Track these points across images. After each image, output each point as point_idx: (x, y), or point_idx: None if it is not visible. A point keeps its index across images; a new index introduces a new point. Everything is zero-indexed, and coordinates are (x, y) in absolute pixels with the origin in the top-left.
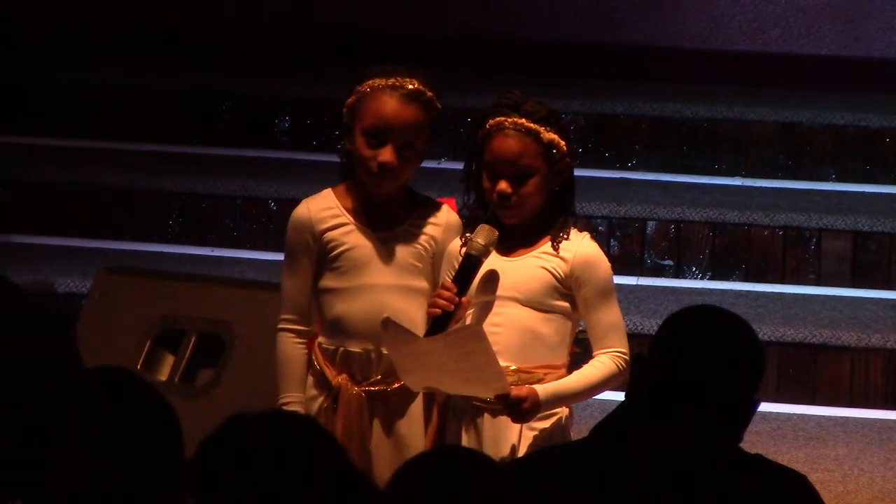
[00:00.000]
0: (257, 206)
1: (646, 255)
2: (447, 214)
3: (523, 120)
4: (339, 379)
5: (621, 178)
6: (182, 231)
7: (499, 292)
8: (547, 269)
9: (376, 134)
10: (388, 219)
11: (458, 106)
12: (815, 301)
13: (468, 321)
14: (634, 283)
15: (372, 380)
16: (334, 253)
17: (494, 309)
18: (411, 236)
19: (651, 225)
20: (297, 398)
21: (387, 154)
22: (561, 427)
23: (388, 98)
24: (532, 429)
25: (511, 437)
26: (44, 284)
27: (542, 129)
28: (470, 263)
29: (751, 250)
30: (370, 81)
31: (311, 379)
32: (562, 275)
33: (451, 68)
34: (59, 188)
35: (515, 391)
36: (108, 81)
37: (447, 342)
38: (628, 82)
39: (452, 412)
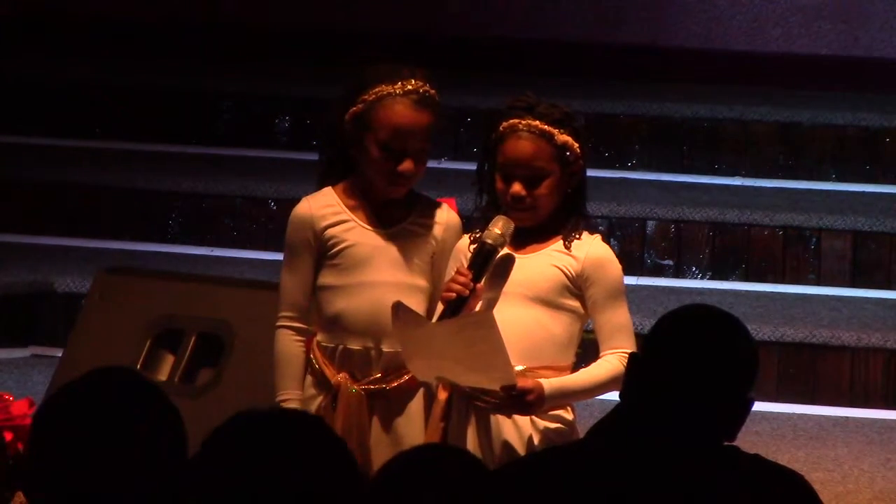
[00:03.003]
0: (257, 206)
1: (646, 255)
2: (447, 214)
3: (537, 122)
4: (339, 377)
5: (621, 178)
6: (182, 231)
7: (509, 289)
8: (559, 267)
9: (395, 145)
10: (389, 217)
11: (458, 106)
12: (815, 301)
13: (479, 309)
14: (634, 283)
15: (371, 378)
16: (335, 250)
17: (504, 306)
18: (412, 234)
19: (651, 225)
20: (296, 395)
21: (408, 164)
22: (569, 428)
23: (401, 107)
24: (539, 429)
25: (518, 438)
26: (44, 284)
27: (556, 132)
28: (485, 251)
29: (751, 250)
30: (376, 88)
31: (309, 378)
32: (573, 273)
33: (451, 68)
34: (59, 188)
35: (521, 383)
36: (108, 81)
37: (457, 327)
38: (628, 82)
39: (456, 412)
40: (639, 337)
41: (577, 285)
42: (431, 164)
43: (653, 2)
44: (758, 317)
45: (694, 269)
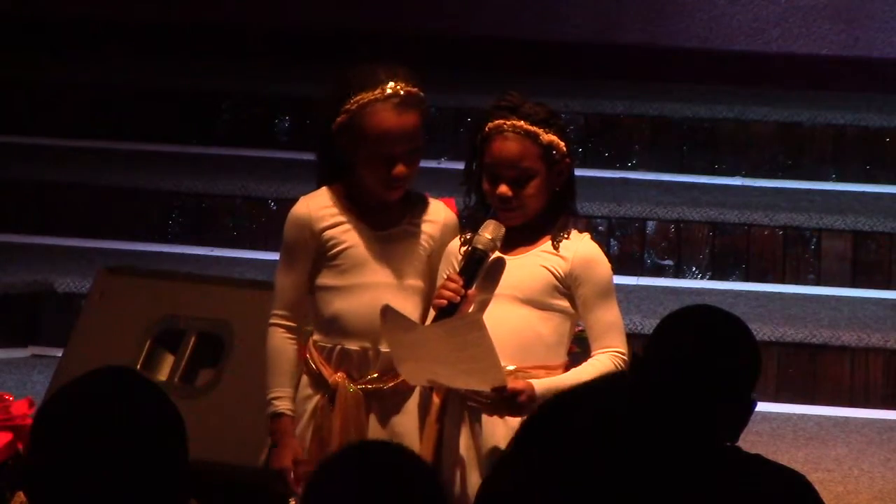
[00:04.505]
0: (257, 206)
1: (646, 255)
2: (444, 213)
3: (522, 122)
4: (337, 377)
5: (621, 178)
6: (182, 231)
7: (499, 290)
8: (547, 268)
9: (384, 151)
10: (386, 218)
11: (458, 106)
12: (815, 301)
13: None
14: (634, 283)
15: (369, 378)
16: (334, 251)
17: (493, 307)
18: (409, 235)
19: (651, 225)
20: (288, 393)
21: (401, 168)
22: None
23: (384, 114)
24: None
25: (509, 437)
26: (44, 284)
27: (541, 132)
28: (476, 257)
29: (751, 250)
30: (357, 97)
31: (306, 378)
32: (562, 273)
33: (451, 68)
34: (59, 188)
35: (512, 384)
36: (109, 81)
37: (446, 330)
38: (628, 82)
39: (450, 414)
40: (639, 337)
41: (566, 285)
42: (432, 164)
43: (653, 2)
44: (758, 317)
45: (694, 269)
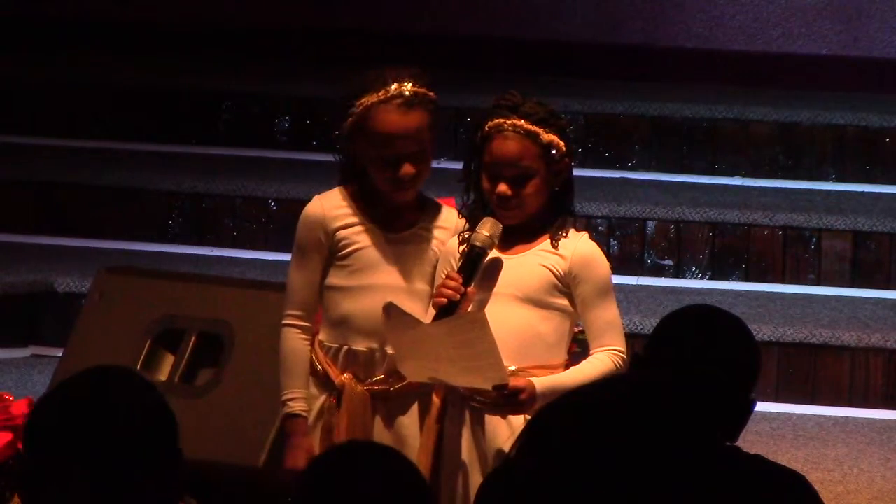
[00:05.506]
0: (257, 206)
1: (646, 255)
2: (457, 219)
3: (522, 121)
4: (343, 378)
5: (621, 178)
6: (182, 231)
7: (498, 289)
8: (546, 267)
9: (388, 152)
10: (399, 221)
11: (458, 106)
12: (815, 301)
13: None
14: (634, 283)
15: (375, 379)
16: (345, 252)
17: (493, 307)
18: (421, 239)
19: (651, 225)
20: (302, 394)
21: (406, 168)
22: None
23: (386, 114)
24: None
25: (511, 438)
26: (44, 284)
27: (541, 131)
28: (475, 254)
29: (751, 250)
30: (361, 99)
31: (311, 378)
32: (561, 272)
33: (451, 68)
34: (59, 188)
35: (513, 382)
36: (109, 81)
37: (449, 328)
38: (628, 82)
39: (450, 414)
40: (639, 337)
41: (565, 284)
42: (432, 164)
43: (653, 2)
44: (758, 317)
45: (694, 269)
